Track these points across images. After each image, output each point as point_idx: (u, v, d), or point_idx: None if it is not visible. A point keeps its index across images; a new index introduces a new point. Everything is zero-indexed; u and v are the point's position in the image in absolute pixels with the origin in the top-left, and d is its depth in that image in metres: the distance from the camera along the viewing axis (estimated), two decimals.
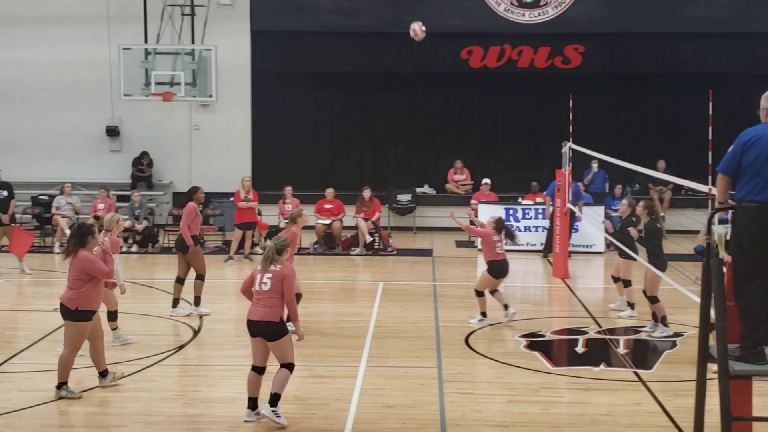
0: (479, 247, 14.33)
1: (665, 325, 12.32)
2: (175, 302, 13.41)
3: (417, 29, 13.16)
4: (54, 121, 23.66)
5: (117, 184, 23.07)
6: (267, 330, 8.65)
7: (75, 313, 9.44)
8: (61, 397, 9.46)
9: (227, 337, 12.36)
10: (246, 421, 8.72)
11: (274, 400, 8.64)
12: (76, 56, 23.31)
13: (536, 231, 20.02)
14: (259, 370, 8.78)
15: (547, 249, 18.78)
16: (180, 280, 13.36)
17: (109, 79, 21.80)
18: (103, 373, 9.91)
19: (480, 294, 12.96)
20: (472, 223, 14.80)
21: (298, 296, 12.02)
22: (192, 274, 13.35)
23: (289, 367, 8.72)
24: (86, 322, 9.51)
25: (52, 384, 9.68)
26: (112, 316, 11.62)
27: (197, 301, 13.37)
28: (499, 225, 12.89)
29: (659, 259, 12.02)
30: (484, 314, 12.98)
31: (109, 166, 23.82)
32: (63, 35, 23.42)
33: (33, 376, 10.29)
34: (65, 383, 9.55)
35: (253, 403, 8.80)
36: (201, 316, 13.19)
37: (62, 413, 9.09)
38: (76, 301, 9.45)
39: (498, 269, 12.78)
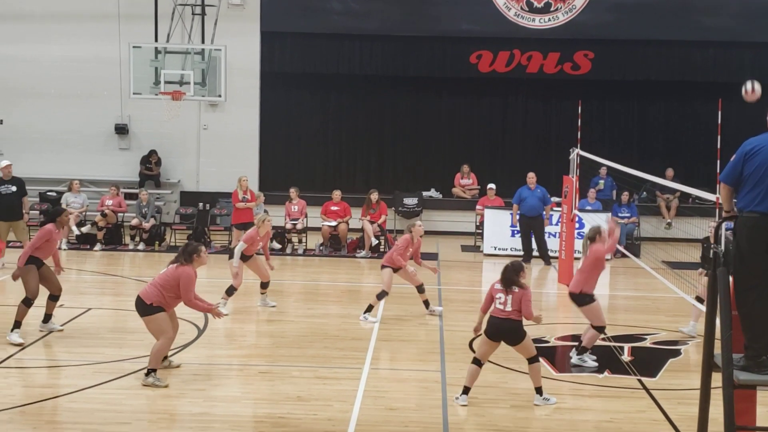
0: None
1: None
2: (47, 317, 12.17)
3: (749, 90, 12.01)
4: (63, 118, 23.72)
5: (125, 182, 23.11)
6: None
7: (150, 308, 9.92)
8: (146, 385, 9.74)
9: (231, 336, 12.38)
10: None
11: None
12: (86, 53, 23.37)
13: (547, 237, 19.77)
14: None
15: (528, 255, 18.89)
16: (28, 301, 11.71)
17: (119, 77, 21.83)
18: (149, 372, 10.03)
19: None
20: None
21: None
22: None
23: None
24: (161, 312, 9.96)
25: (66, 380, 9.63)
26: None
27: (47, 318, 12.19)
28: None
29: None
30: None
31: (118, 164, 23.87)
32: (73, 32, 23.46)
33: (40, 371, 10.30)
34: (155, 370, 9.88)
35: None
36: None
37: (66, 410, 9.10)
38: (153, 299, 9.93)
39: None
